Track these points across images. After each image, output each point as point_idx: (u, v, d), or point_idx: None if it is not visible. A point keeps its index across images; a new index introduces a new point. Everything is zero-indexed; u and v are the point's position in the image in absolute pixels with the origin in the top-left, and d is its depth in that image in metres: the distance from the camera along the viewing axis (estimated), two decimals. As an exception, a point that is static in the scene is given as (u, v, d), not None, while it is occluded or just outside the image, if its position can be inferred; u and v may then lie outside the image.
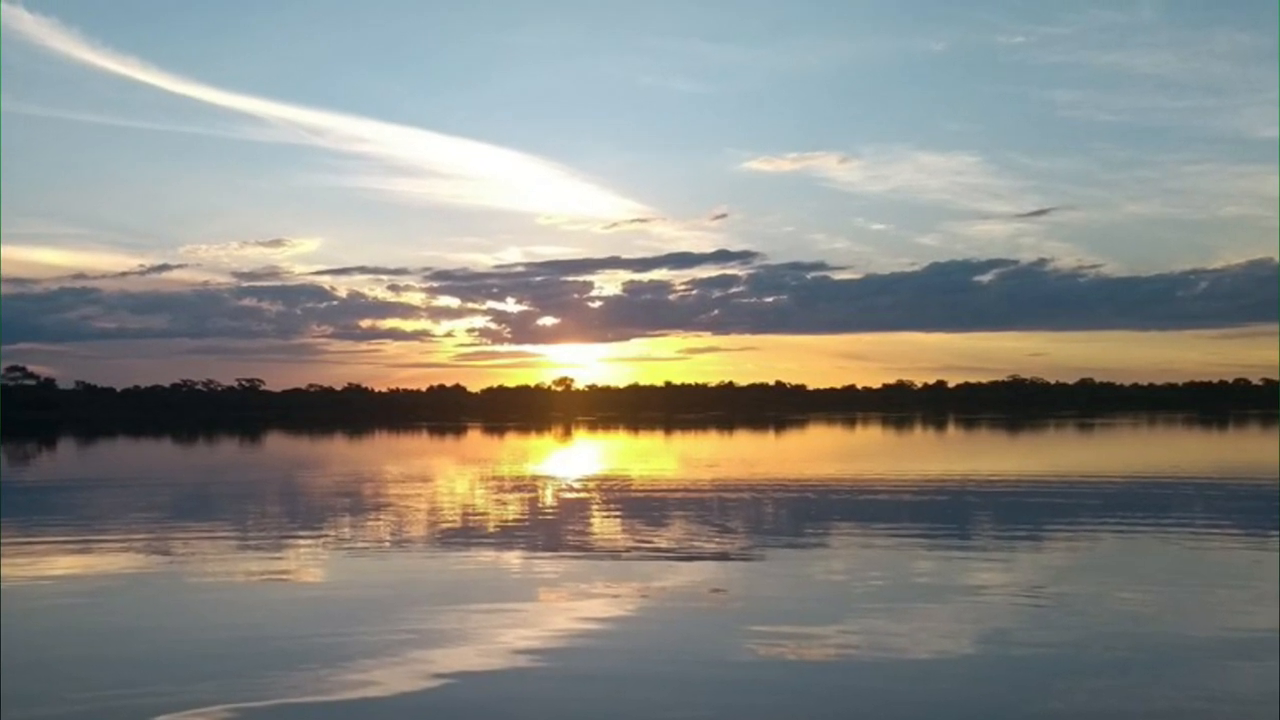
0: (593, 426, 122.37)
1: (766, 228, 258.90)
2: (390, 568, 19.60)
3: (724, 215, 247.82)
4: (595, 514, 28.68)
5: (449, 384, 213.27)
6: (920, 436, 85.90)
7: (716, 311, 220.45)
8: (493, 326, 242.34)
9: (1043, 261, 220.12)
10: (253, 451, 72.78)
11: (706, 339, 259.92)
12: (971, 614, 14.61)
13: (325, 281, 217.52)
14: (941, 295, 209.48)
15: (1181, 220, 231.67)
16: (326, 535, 24.16)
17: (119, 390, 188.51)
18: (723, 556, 20.26)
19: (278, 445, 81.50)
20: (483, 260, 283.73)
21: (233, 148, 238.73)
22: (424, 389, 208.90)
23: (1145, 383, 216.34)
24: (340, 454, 67.43)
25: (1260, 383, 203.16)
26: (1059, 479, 37.33)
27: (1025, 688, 11.13)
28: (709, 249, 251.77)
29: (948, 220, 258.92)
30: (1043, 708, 10.53)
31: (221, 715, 10.36)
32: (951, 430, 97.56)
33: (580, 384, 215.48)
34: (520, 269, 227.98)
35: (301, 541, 23.20)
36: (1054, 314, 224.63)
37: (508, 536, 23.87)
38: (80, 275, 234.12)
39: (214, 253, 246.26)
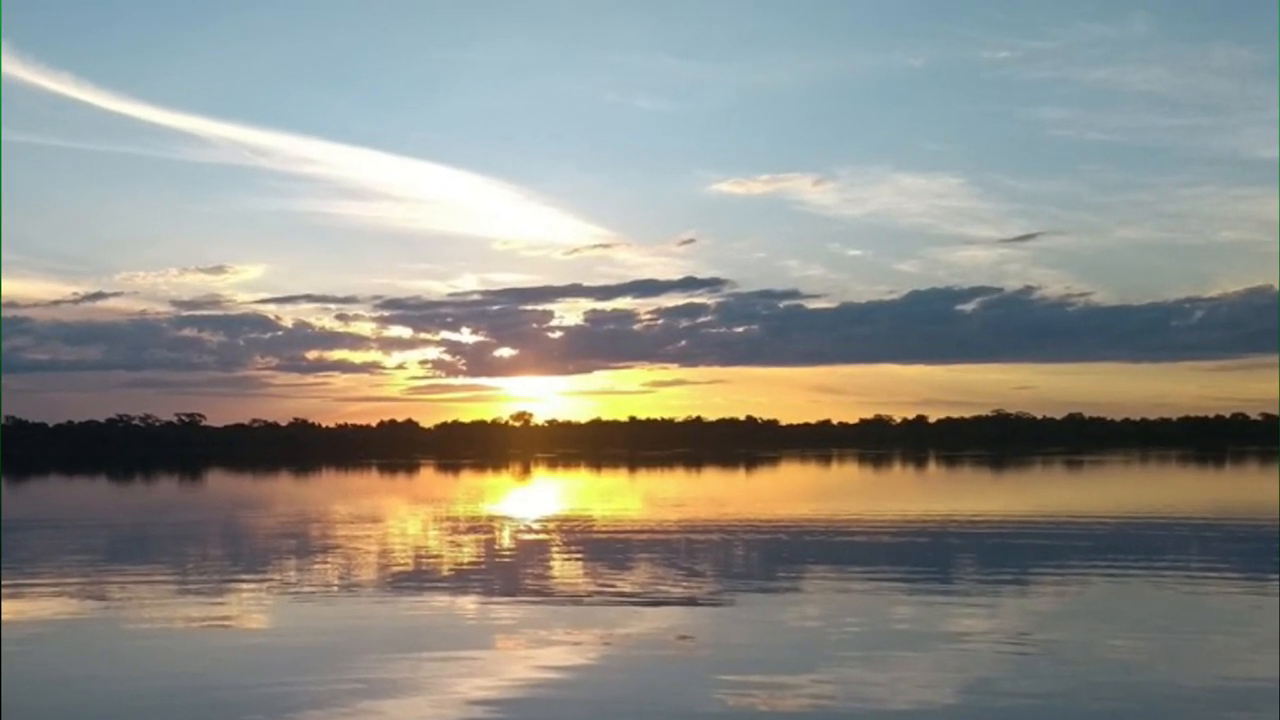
0: (553, 464, 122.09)
1: (736, 254, 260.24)
2: (338, 614, 19.48)
3: (691, 240, 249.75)
4: (555, 556, 28.62)
5: (400, 419, 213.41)
6: (899, 474, 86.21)
7: (684, 342, 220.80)
8: (447, 358, 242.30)
9: (1029, 289, 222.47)
10: (193, 490, 72.21)
11: (673, 371, 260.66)
12: (954, 662, 14.67)
13: (270, 310, 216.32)
14: (922, 325, 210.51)
15: (1176, 246, 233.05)
16: (271, 579, 24.00)
17: (51, 425, 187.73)
18: (690, 601, 20.25)
19: (219, 484, 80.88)
20: (436, 288, 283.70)
21: (172, 169, 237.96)
22: (374, 424, 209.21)
23: (1138, 418, 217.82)
24: (285, 493, 67.01)
25: (1259, 417, 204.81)
26: (1046, 519, 37.54)
27: (1010, 739, 11.19)
28: (676, 276, 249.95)
29: (928, 246, 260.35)
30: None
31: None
32: (932, 468, 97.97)
33: (539, 419, 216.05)
34: (476, 297, 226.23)
35: (245, 586, 23.04)
36: (1041, 345, 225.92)
37: (463, 580, 23.79)
38: (11, 304, 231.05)
39: (152, 280, 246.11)
